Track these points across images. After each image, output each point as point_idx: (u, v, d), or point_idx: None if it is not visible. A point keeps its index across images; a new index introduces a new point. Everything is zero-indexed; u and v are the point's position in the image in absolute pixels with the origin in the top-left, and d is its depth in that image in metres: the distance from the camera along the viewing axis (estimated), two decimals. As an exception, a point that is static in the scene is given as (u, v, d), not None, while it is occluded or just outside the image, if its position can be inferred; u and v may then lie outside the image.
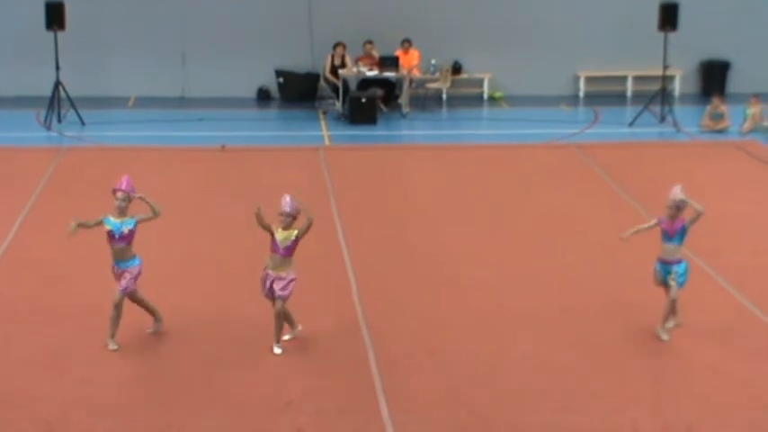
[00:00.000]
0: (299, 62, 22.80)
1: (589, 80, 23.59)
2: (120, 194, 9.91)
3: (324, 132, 20.23)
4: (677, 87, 23.40)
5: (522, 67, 23.29)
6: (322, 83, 22.23)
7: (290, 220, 9.89)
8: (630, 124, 20.53)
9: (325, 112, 21.76)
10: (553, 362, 9.93)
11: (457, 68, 23.08)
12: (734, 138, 19.51)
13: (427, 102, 22.57)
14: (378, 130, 20.43)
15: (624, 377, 9.66)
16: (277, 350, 9.96)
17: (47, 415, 8.82)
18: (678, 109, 21.10)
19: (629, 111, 21.70)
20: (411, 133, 20.77)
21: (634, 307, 11.20)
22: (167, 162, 17.40)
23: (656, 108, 20.68)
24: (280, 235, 9.90)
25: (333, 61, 21.76)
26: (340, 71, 21.53)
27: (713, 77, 23.40)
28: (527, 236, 13.74)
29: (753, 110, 20.04)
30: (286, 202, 10.00)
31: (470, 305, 11.32)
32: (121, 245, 9.90)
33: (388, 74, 21.60)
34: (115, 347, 9.93)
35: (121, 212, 9.89)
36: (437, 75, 22.58)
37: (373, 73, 21.56)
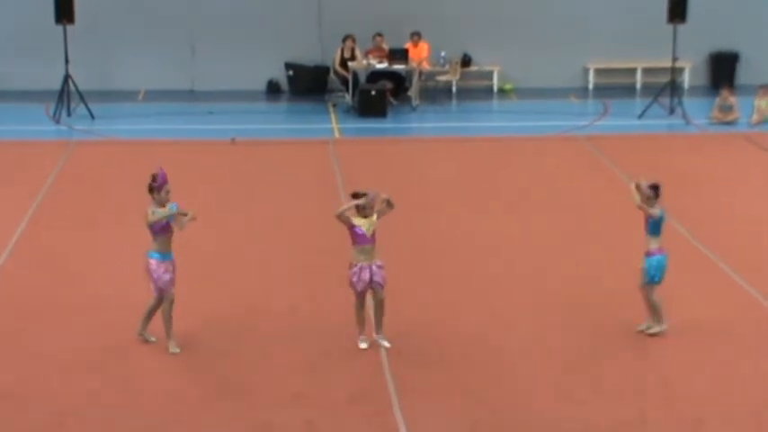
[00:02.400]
0: (308, 55, 22.77)
1: (598, 72, 23.52)
2: (168, 186, 9.84)
3: (333, 125, 20.20)
4: (686, 79, 23.30)
5: (532, 60, 23.22)
6: (332, 75, 22.20)
7: (369, 208, 9.90)
8: (640, 116, 20.46)
9: (334, 105, 21.73)
10: (563, 354, 9.91)
11: (466, 61, 23.01)
12: (743, 129, 19.43)
13: (437, 94, 22.52)
14: (387, 123, 20.40)
15: (633, 369, 9.64)
16: (363, 345, 9.95)
17: (57, 408, 8.83)
18: (687, 101, 21.02)
19: (639, 103, 21.62)
20: (421, 126, 20.73)
21: (642, 300, 11.16)
22: (177, 155, 17.38)
23: (666, 100, 20.60)
24: (365, 224, 9.86)
25: (342, 54, 21.72)
26: (350, 64, 21.50)
27: (722, 69, 23.31)
28: (537, 227, 13.70)
29: (761, 101, 19.96)
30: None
31: (481, 297, 11.30)
32: (169, 236, 9.88)
33: (398, 66, 21.55)
34: (177, 350, 9.91)
35: (163, 205, 9.84)
36: (446, 67, 22.53)
37: (383, 65, 21.51)
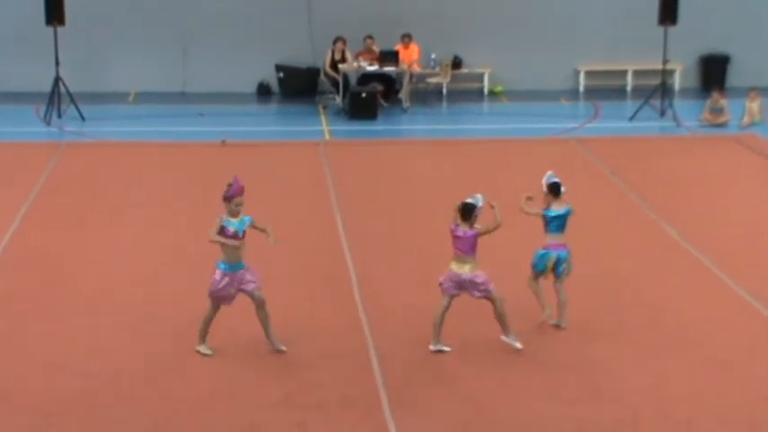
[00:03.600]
0: (299, 57, 22.78)
1: (589, 74, 23.57)
2: (239, 199, 9.76)
3: (324, 127, 20.21)
4: (677, 81, 23.37)
5: (523, 62, 23.26)
6: (322, 78, 22.20)
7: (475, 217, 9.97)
8: (631, 118, 20.50)
9: (325, 107, 21.74)
10: (553, 354, 9.92)
11: (457, 63, 23.04)
12: (734, 132, 19.49)
13: (427, 96, 22.54)
14: (378, 125, 20.42)
15: (625, 369, 9.65)
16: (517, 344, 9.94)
17: (46, 409, 8.81)
18: (678, 103, 21.08)
19: (630, 105, 21.67)
20: (411, 128, 20.75)
21: (634, 302, 11.19)
22: (167, 157, 17.38)
23: (657, 102, 20.65)
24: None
25: (333, 56, 21.73)
26: (340, 66, 21.50)
27: (713, 71, 23.38)
28: (527, 231, 13.71)
29: (752, 104, 20.03)
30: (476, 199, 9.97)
31: (471, 299, 11.29)
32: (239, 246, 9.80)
33: (389, 68, 21.57)
34: (209, 352, 9.89)
35: (236, 215, 9.79)
36: (437, 69, 22.55)
37: (373, 68, 21.52)
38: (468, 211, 9.92)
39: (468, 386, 9.30)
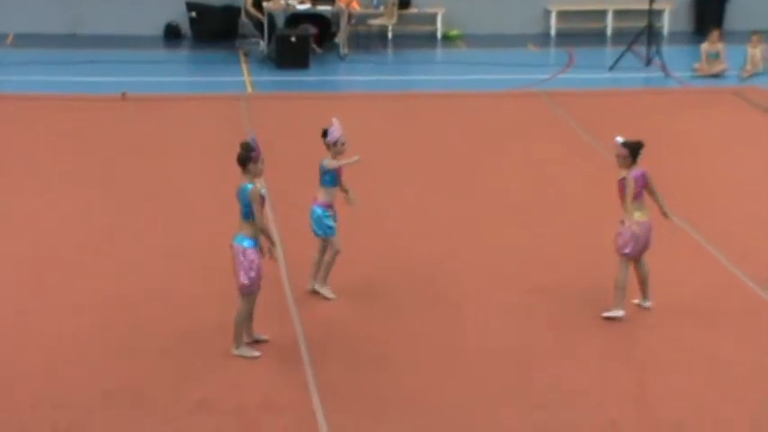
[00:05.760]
0: (214, -7, 22.68)
1: (562, 15, 23.67)
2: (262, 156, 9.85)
3: (245, 78, 20.13)
4: (666, 24, 23.56)
5: (483, 1, 23.30)
6: (243, 18, 22.09)
7: (621, 159, 10.38)
8: (611, 68, 20.63)
9: (246, 54, 21.64)
10: (522, 351, 9.99)
11: (404, 1, 23.03)
12: (732, 83, 19.69)
13: (370, 41, 22.51)
14: (310, 75, 20.37)
15: (605, 368, 9.74)
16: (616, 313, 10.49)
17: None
18: (667, 49, 21.26)
19: (610, 52, 21.81)
20: (350, 79, 20.72)
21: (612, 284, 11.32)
22: (56, 113, 17.20)
23: (641, 49, 20.79)
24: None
25: (256, -8, 21.64)
26: (264, 4, 21.40)
27: (708, 12, 23.58)
28: (489, 201, 13.79)
29: (754, 50, 20.22)
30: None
31: (422, 284, 11.35)
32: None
33: (323, 7, 21.51)
34: (256, 353, 9.89)
35: (259, 177, 9.82)
36: (381, 9, 22.52)
37: (305, 6, 21.45)
38: (638, 150, 10.40)
39: (419, 389, 9.35)
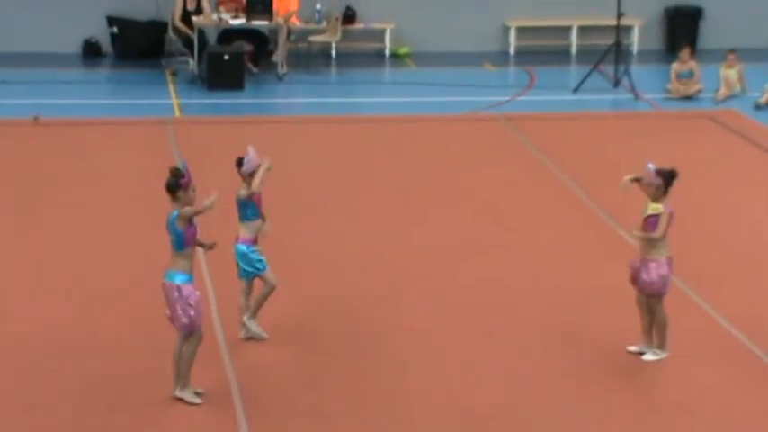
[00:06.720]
0: (138, 7, 22.59)
1: (521, 31, 23.78)
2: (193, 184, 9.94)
3: (173, 100, 20.08)
4: (635, 41, 23.71)
5: (435, 16, 23.38)
6: (170, 34, 22.04)
7: (652, 188, 10.47)
8: (575, 90, 20.74)
9: (174, 74, 21.59)
10: (473, 406, 9.99)
11: (349, 16, 23.08)
12: (707, 107, 19.84)
13: (311, 60, 22.53)
14: (245, 98, 20.34)
15: (568, 423, 9.78)
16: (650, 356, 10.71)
17: None
18: (636, 70, 21.40)
19: (574, 72, 21.93)
20: (289, 101, 20.71)
21: (578, 325, 11.35)
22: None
23: (609, 68, 20.92)
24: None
25: (185, 5, 21.59)
26: (194, 19, 21.37)
27: (681, 29, 23.75)
28: (438, 234, 13.80)
29: (729, 71, 20.38)
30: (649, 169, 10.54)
31: (362, 326, 11.36)
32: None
33: (259, 23, 21.50)
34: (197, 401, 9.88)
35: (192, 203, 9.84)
36: (323, 24, 22.55)
37: (239, 21, 21.45)
38: (673, 180, 10.52)
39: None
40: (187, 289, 9.63)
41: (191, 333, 9.72)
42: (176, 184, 9.69)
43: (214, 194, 9.67)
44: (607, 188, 15.31)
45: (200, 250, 10.15)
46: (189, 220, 9.66)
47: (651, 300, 10.54)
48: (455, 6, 23.35)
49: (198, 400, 9.82)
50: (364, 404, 9.93)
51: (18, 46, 22.49)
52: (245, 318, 10.91)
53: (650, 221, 10.43)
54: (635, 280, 10.63)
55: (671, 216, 10.41)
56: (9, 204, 14.53)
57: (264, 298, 10.88)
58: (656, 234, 10.37)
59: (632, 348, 10.78)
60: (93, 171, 15.92)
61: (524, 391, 10.18)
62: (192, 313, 9.63)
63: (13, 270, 12.62)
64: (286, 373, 10.43)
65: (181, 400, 9.77)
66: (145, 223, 13.37)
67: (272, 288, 10.83)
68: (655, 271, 10.43)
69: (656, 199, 10.46)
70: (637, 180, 10.62)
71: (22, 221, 13.96)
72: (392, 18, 23.41)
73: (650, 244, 10.45)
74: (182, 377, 9.81)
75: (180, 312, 9.61)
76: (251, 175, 10.73)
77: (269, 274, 10.81)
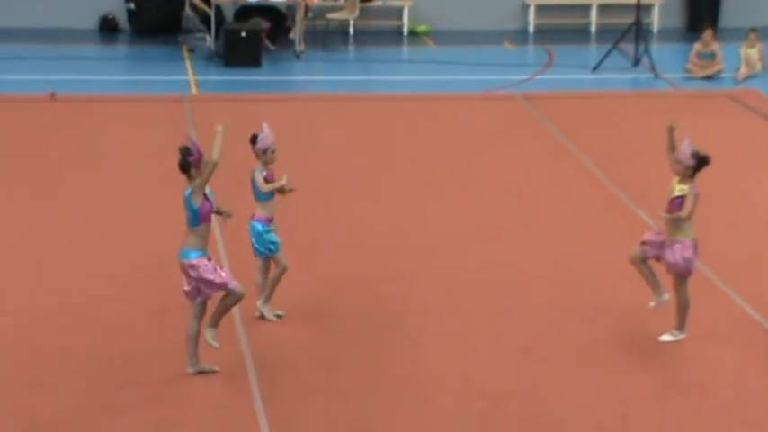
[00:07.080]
0: (156, -18, 22.63)
1: (541, 10, 23.75)
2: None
3: (190, 77, 20.09)
4: (656, 20, 23.66)
5: (454, -7, 23.39)
6: (187, 11, 22.04)
7: (682, 167, 10.50)
8: (595, 69, 20.70)
9: (191, 50, 21.59)
10: (489, 384, 10.00)
11: (367, -7, 23.09)
12: (727, 86, 19.78)
13: (328, 37, 22.50)
14: (262, 75, 20.35)
15: (582, 400, 9.77)
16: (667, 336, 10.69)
17: None
18: (657, 48, 21.34)
19: (594, 51, 21.89)
20: (307, 79, 20.70)
21: (596, 306, 11.33)
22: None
23: (629, 47, 20.87)
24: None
25: (202, -18, 21.63)
26: (211, -5, 21.41)
27: (702, 8, 23.70)
28: (457, 214, 13.79)
29: (750, 50, 20.33)
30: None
31: (379, 306, 11.35)
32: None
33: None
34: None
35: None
36: (341, 1, 22.52)
37: (256, -2, 21.47)
38: (704, 165, 10.56)
39: (372, 418, 9.34)
40: (201, 262, 9.64)
41: (226, 293, 9.76)
42: (186, 163, 9.70)
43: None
44: (625, 167, 15.33)
45: (216, 230, 10.15)
46: (204, 196, 9.65)
47: (675, 280, 10.52)
48: (474, -16, 23.34)
49: (216, 368, 9.93)
50: (380, 383, 9.93)
51: (35, 22, 22.52)
52: (259, 302, 10.91)
53: (676, 202, 10.41)
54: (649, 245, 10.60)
55: (697, 197, 10.37)
56: (25, 181, 14.55)
57: (277, 280, 10.88)
58: (683, 213, 10.34)
59: (651, 304, 10.76)
60: (109, 147, 15.95)
61: (542, 372, 10.17)
62: (213, 278, 9.64)
63: (28, 246, 12.64)
64: (302, 352, 10.44)
65: (199, 372, 9.83)
66: (160, 201, 13.39)
67: (284, 270, 10.82)
68: (679, 252, 10.40)
69: (682, 178, 10.41)
70: (671, 130, 10.62)
71: (38, 199, 13.98)
72: (410, -5, 23.40)
73: (676, 225, 10.42)
74: (213, 318, 9.87)
75: (204, 287, 9.66)
76: (264, 152, 10.68)
77: (281, 255, 10.81)
